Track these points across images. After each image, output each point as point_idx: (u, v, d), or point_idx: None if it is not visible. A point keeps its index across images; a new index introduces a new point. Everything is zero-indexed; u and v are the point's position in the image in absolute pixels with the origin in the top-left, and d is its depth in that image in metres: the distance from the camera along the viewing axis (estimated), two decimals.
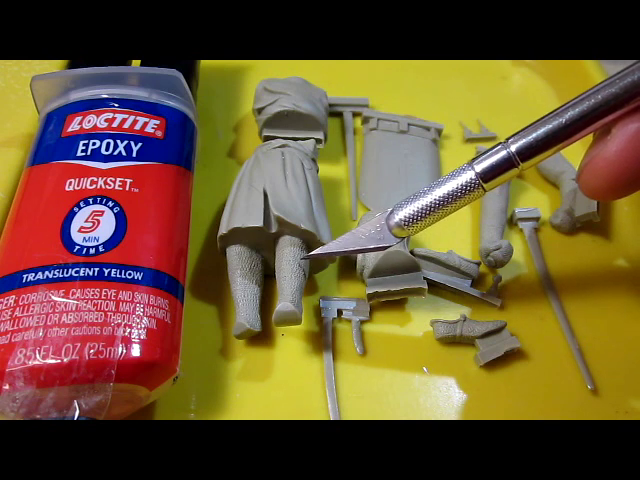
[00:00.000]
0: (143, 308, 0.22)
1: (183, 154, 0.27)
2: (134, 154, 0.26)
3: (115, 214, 0.24)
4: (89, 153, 0.25)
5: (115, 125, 0.26)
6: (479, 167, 0.22)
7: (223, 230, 0.27)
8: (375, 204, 0.32)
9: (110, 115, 0.27)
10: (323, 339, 0.27)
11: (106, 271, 0.22)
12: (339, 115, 0.37)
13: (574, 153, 0.26)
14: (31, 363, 0.20)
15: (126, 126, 0.26)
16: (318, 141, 0.33)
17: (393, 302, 0.28)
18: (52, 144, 0.26)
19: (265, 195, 0.27)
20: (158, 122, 0.27)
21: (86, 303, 0.21)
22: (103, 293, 0.21)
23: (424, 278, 0.27)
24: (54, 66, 0.34)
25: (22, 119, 0.31)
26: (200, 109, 0.31)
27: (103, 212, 0.24)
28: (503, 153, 0.22)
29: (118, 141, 0.26)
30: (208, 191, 0.32)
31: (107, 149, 0.25)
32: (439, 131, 0.36)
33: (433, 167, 0.35)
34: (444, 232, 0.31)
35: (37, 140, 0.27)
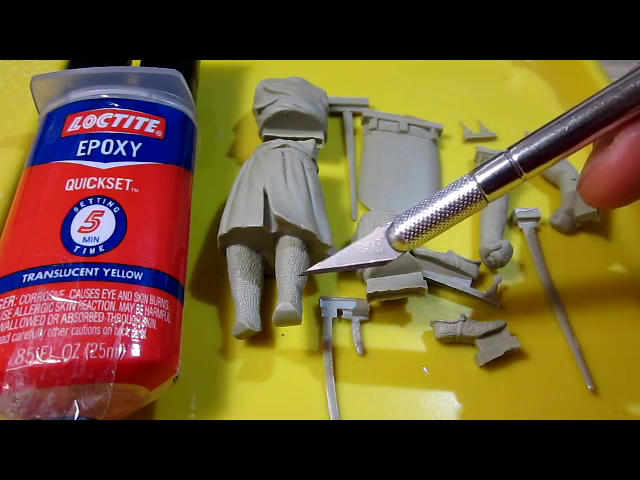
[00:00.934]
0: (143, 308, 0.22)
1: (183, 154, 0.27)
2: (134, 154, 0.26)
3: (115, 214, 0.24)
4: (89, 153, 0.25)
5: (115, 125, 0.26)
6: (481, 177, 0.21)
7: (223, 230, 0.27)
8: (375, 204, 0.32)
9: (110, 115, 0.27)
10: (323, 339, 0.27)
11: (106, 271, 0.22)
12: (339, 115, 0.37)
13: (574, 154, 0.26)
14: (31, 363, 0.20)
15: (126, 126, 0.26)
16: (318, 141, 0.33)
17: (393, 302, 0.28)
18: (52, 144, 0.26)
19: (265, 195, 0.27)
20: (158, 122, 0.27)
21: (86, 303, 0.21)
22: (103, 293, 0.21)
23: (424, 278, 0.27)
24: (54, 66, 0.34)
25: (22, 119, 0.31)
26: (200, 109, 0.31)
27: (103, 212, 0.24)
28: (505, 163, 0.21)
29: (118, 141, 0.26)
30: (208, 191, 0.32)
31: (107, 149, 0.25)
32: (439, 131, 0.36)
33: (433, 167, 0.35)
34: (444, 232, 0.31)
35: (37, 140, 0.27)
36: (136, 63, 0.33)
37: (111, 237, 0.23)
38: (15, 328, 0.20)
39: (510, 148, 0.21)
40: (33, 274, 0.22)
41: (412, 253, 0.29)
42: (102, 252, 0.22)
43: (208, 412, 0.25)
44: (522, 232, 0.32)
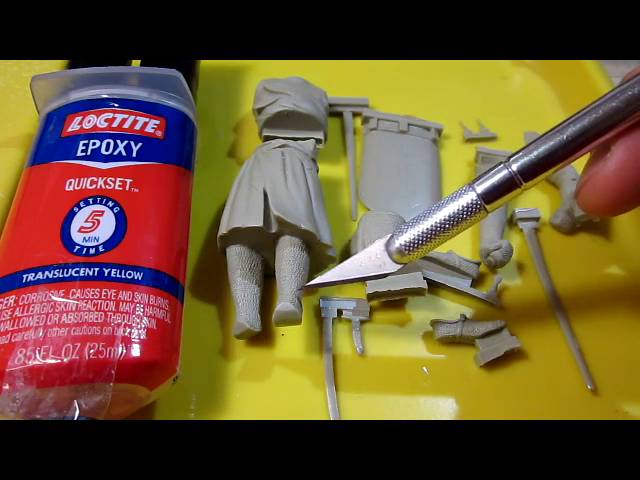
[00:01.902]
0: (143, 308, 0.22)
1: (183, 154, 0.27)
2: (134, 154, 0.26)
3: (115, 214, 0.24)
4: (89, 153, 0.25)
5: (115, 125, 0.26)
6: (480, 188, 0.21)
7: (223, 230, 0.27)
8: (375, 204, 0.32)
9: (110, 115, 0.27)
10: (323, 339, 0.27)
11: (106, 271, 0.22)
12: (339, 115, 0.37)
13: None
14: (31, 363, 0.20)
15: (126, 126, 0.26)
16: (318, 141, 0.33)
17: (393, 302, 0.28)
18: (52, 144, 0.26)
19: (265, 195, 0.27)
20: (158, 122, 0.27)
21: (86, 303, 0.21)
22: (103, 293, 0.21)
23: (424, 278, 0.27)
24: (54, 66, 0.34)
25: (22, 119, 0.31)
26: (200, 109, 0.31)
27: (103, 212, 0.24)
28: (505, 173, 0.21)
29: (118, 141, 0.26)
30: (208, 191, 0.32)
31: (107, 149, 0.25)
32: (439, 131, 0.36)
33: (433, 167, 0.35)
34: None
35: (37, 140, 0.27)
36: (136, 63, 0.33)
37: (111, 237, 0.23)
38: (15, 328, 0.20)
39: (509, 158, 0.21)
40: (33, 274, 0.22)
41: None
42: (102, 252, 0.22)
43: (208, 412, 0.25)
44: (522, 232, 0.32)
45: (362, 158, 0.35)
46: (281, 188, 0.27)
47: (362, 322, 0.28)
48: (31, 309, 0.21)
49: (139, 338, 0.21)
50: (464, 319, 0.27)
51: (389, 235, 0.23)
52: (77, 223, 0.23)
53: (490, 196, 0.21)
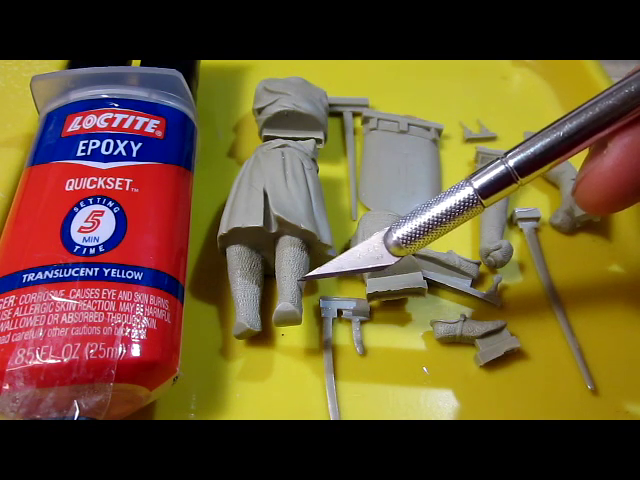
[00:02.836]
0: (143, 308, 0.22)
1: (183, 154, 0.27)
2: (134, 154, 0.26)
3: (115, 214, 0.24)
4: (89, 153, 0.25)
5: (115, 125, 0.26)
6: (477, 183, 0.22)
7: (223, 230, 0.27)
8: (375, 204, 0.32)
9: (110, 115, 0.27)
10: (323, 339, 0.27)
11: (106, 271, 0.22)
12: (339, 115, 0.37)
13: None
14: (31, 363, 0.20)
15: (126, 126, 0.26)
16: (318, 141, 0.33)
17: (393, 302, 0.28)
18: (52, 144, 0.26)
19: (265, 195, 0.27)
20: (158, 122, 0.27)
21: (86, 303, 0.21)
22: (103, 293, 0.21)
23: (424, 278, 0.27)
24: (54, 66, 0.34)
25: (22, 119, 0.31)
26: (200, 109, 0.31)
27: (103, 212, 0.24)
28: (501, 168, 0.21)
29: (118, 141, 0.26)
30: (208, 191, 0.32)
31: (107, 149, 0.25)
32: (439, 131, 0.36)
33: (433, 167, 0.35)
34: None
35: (37, 140, 0.27)
36: (136, 63, 0.33)
37: (111, 237, 0.23)
38: (15, 328, 0.20)
39: (506, 153, 0.22)
40: (33, 274, 0.22)
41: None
42: (102, 252, 0.22)
43: (208, 412, 0.25)
44: (522, 232, 0.32)
45: (362, 158, 0.35)
46: (281, 188, 0.27)
47: (362, 322, 0.28)
48: (31, 309, 0.21)
49: (139, 338, 0.21)
50: (464, 319, 0.27)
51: (387, 228, 0.23)
52: (77, 223, 0.23)
53: (487, 191, 0.22)
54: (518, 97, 0.41)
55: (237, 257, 0.27)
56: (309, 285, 0.28)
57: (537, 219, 0.32)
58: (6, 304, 0.21)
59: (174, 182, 0.26)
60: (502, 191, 0.22)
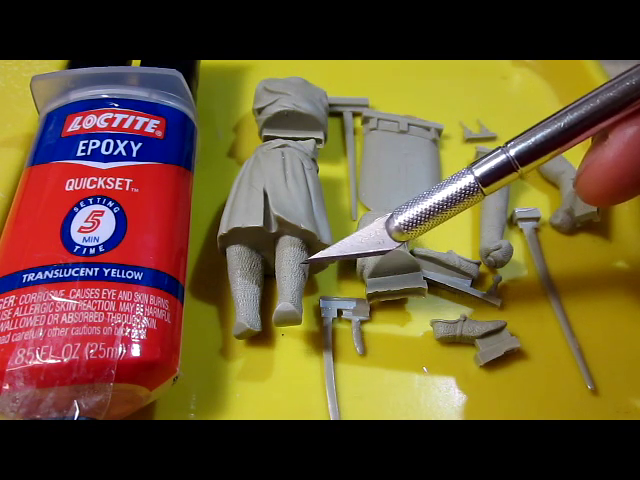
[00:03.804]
0: (143, 308, 0.22)
1: (183, 154, 0.27)
2: (134, 154, 0.26)
3: (115, 214, 0.24)
4: (89, 153, 0.25)
5: (115, 125, 0.26)
6: (478, 171, 0.22)
7: (223, 230, 0.27)
8: (375, 204, 0.32)
9: (110, 115, 0.27)
10: (323, 339, 0.27)
11: (106, 271, 0.22)
12: (339, 115, 0.37)
13: (574, 153, 0.26)
14: (31, 363, 0.20)
15: (126, 126, 0.26)
16: (318, 141, 0.33)
17: (393, 302, 0.28)
18: (52, 144, 0.26)
19: (265, 195, 0.27)
20: (158, 122, 0.27)
21: (86, 303, 0.21)
22: (103, 293, 0.21)
23: (424, 278, 0.27)
24: (54, 66, 0.34)
25: (22, 119, 0.31)
26: (200, 109, 0.31)
27: (103, 212, 0.24)
28: (502, 157, 0.22)
29: (118, 141, 0.26)
30: (208, 191, 0.32)
31: (107, 149, 0.25)
32: (439, 131, 0.36)
33: (433, 167, 0.35)
34: (444, 232, 0.31)
35: (37, 140, 0.27)
36: (136, 63, 0.33)
37: (111, 237, 0.23)
38: (15, 328, 0.20)
39: (507, 143, 0.22)
40: (33, 274, 0.22)
41: (412, 253, 0.29)
42: (102, 252, 0.22)
43: (208, 412, 0.25)
44: (522, 232, 0.32)
45: (362, 158, 0.35)
46: (281, 188, 0.27)
47: (362, 322, 0.28)
48: (31, 309, 0.21)
49: (139, 338, 0.21)
50: (464, 319, 0.27)
51: (389, 214, 0.23)
52: (77, 223, 0.23)
53: (487, 179, 0.22)
54: (518, 97, 0.41)
55: (237, 257, 0.27)
56: (309, 285, 0.28)
57: (537, 219, 0.32)
58: (6, 304, 0.21)
59: (174, 182, 0.26)
60: (502, 180, 0.22)
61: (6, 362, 0.20)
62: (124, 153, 0.25)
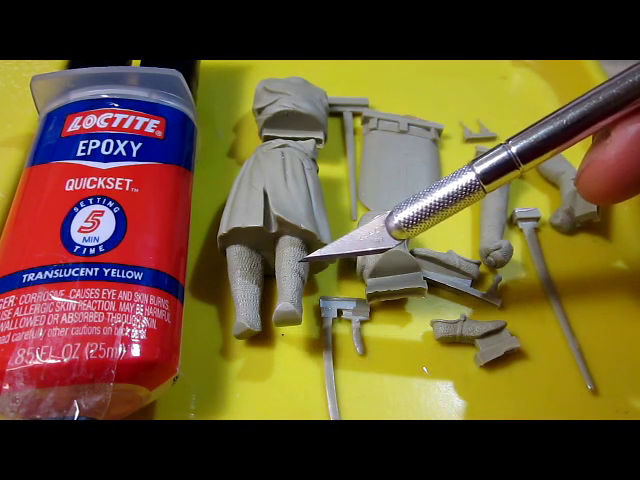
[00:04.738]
0: (143, 308, 0.22)
1: (183, 154, 0.27)
2: (134, 154, 0.26)
3: (115, 214, 0.24)
4: (89, 153, 0.25)
5: (115, 125, 0.26)
6: (479, 168, 0.22)
7: (223, 230, 0.27)
8: (375, 204, 0.32)
9: (110, 115, 0.27)
10: (323, 339, 0.27)
11: (106, 271, 0.22)
12: (339, 115, 0.37)
13: (574, 153, 0.26)
14: (31, 363, 0.20)
15: (126, 126, 0.26)
16: (318, 141, 0.33)
17: (393, 302, 0.28)
18: (52, 144, 0.26)
19: (265, 195, 0.27)
20: (158, 122, 0.27)
21: (86, 303, 0.21)
22: (103, 293, 0.21)
23: (424, 278, 0.27)
24: (54, 66, 0.34)
25: (22, 119, 0.31)
26: (200, 109, 0.31)
27: (103, 212, 0.24)
28: (504, 154, 0.21)
29: (118, 141, 0.26)
30: (208, 191, 0.32)
31: (107, 149, 0.25)
32: (439, 131, 0.36)
33: (433, 167, 0.35)
34: (444, 232, 0.31)
35: (37, 140, 0.27)
36: (136, 63, 0.33)
37: (111, 237, 0.23)
38: (15, 328, 0.20)
39: (509, 140, 0.22)
40: (33, 274, 0.22)
41: (412, 253, 0.29)
42: (102, 252, 0.22)
43: (208, 412, 0.25)
44: (522, 232, 0.32)
45: (362, 158, 0.35)
46: (281, 188, 0.27)
47: (362, 322, 0.28)
48: (31, 309, 0.21)
49: (139, 338, 0.21)
50: (464, 319, 0.27)
51: (388, 211, 0.23)
52: (77, 223, 0.23)
53: (489, 177, 0.22)
54: (518, 97, 0.41)
55: (237, 257, 0.27)
56: (309, 285, 0.28)
57: (537, 219, 0.32)
58: (6, 304, 0.21)
59: (174, 182, 0.26)
60: (504, 177, 0.22)
61: (6, 362, 0.20)
62: (124, 153, 0.25)
